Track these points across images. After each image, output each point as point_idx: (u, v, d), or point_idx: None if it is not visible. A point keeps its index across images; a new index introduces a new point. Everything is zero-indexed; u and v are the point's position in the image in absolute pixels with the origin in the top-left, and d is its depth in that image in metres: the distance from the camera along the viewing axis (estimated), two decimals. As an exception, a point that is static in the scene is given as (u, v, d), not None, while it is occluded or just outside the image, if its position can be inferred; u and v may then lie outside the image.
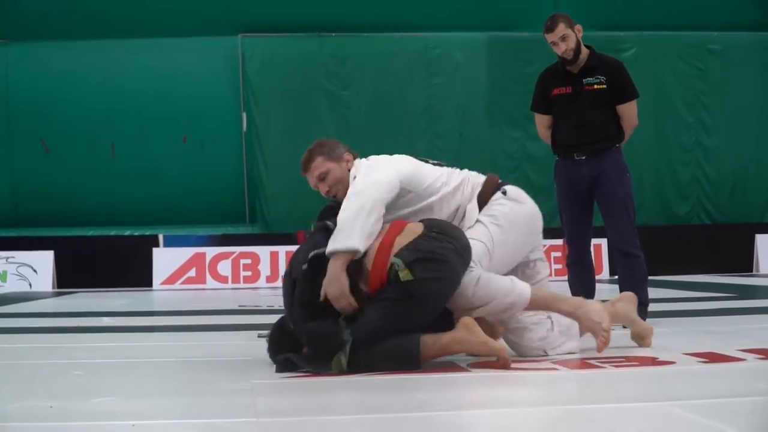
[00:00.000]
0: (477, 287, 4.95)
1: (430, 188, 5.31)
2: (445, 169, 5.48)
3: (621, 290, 7.01)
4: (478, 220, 5.28)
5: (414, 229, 4.94)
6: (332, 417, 3.61)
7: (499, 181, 5.52)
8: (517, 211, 5.37)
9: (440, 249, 4.81)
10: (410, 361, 4.65)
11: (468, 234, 5.14)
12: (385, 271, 4.74)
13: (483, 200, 5.37)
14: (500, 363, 4.63)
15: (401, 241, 4.84)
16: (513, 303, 5.02)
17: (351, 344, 4.63)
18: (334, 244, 4.80)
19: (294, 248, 5.20)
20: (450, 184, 5.37)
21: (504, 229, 5.26)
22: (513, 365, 4.54)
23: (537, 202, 5.52)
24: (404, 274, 4.68)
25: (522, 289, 5.07)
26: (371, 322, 4.67)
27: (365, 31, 18.38)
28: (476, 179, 5.50)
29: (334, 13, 18.27)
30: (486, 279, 5.00)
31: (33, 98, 18.16)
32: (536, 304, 5.11)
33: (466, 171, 5.56)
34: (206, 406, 3.82)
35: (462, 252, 4.91)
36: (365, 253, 4.81)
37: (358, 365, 4.60)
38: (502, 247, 5.23)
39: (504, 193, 5.38)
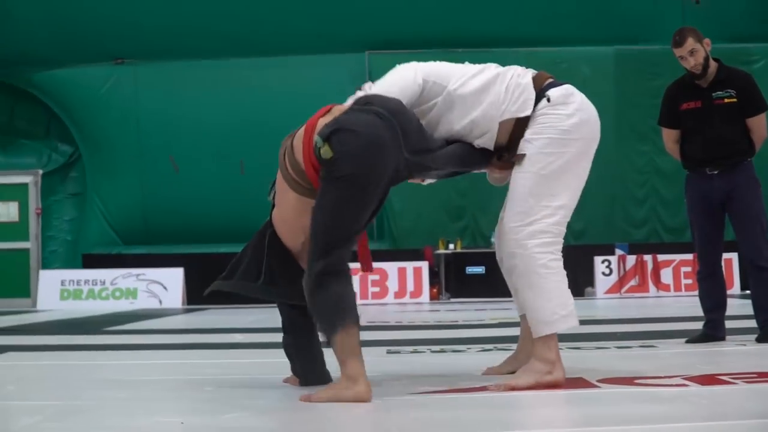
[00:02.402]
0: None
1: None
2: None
3: (753, 304, 6.92)
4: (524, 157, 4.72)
5: (341, 108, 4.63)
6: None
7: (549, 80, 4.86)
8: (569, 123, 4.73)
9: (362, 117, 4.45)
10: None
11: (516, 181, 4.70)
12: (313, 154, 4.39)
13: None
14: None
15: (324, 120, 4.51)
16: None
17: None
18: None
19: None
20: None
21: (557, 155, 4.71)
22: (641, 381, 4.47)
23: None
24: (324, 151, 4.29)
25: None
26: (318, 226, 4.35)
27: (492, 46, 18.33)
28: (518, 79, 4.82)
29: (460, 28, 18.28)
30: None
31: (162, 117, 18.61)
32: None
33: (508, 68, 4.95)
34: (332, 421, 3.86)
35: (387, 117, 4.49)
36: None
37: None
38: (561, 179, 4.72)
39: (548, 100, 4.75)
